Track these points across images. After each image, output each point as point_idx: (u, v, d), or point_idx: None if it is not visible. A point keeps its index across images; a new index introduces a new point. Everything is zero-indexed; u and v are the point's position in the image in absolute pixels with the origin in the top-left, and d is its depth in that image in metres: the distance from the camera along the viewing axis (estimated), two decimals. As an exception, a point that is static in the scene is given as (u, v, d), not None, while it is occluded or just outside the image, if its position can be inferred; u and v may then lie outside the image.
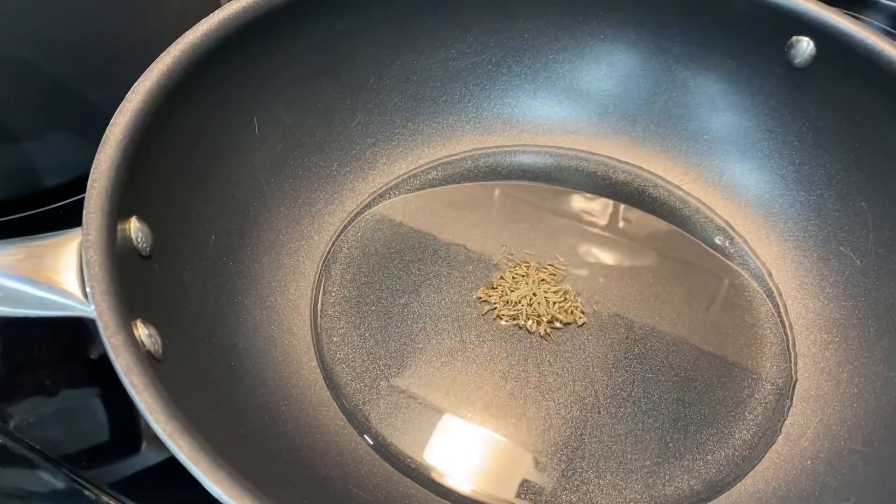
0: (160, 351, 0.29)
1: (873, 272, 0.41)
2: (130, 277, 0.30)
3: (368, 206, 0.47)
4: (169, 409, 0.25)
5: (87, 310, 0.28)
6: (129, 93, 0.33)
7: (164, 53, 0.35)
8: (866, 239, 0.41)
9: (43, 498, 0.36)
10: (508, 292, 0.42)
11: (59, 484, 0.37)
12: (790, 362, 0.41)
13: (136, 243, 0.31)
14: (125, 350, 0.26)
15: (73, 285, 0.29)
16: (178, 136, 0.36)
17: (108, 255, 0.28)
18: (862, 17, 0.62)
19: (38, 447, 0.37)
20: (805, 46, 0.42)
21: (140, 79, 0.34)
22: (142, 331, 0.28)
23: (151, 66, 0.35)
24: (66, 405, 0.40)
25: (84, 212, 0.29)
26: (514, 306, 0.42)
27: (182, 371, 0.31)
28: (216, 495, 0.23)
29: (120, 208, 0.30)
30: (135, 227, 0.31)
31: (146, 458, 0.38)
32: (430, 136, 0.49)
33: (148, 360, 0.27)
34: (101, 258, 0.28)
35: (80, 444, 0.38)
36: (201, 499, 0.25)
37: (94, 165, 0.31)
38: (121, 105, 0.33)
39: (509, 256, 0.45)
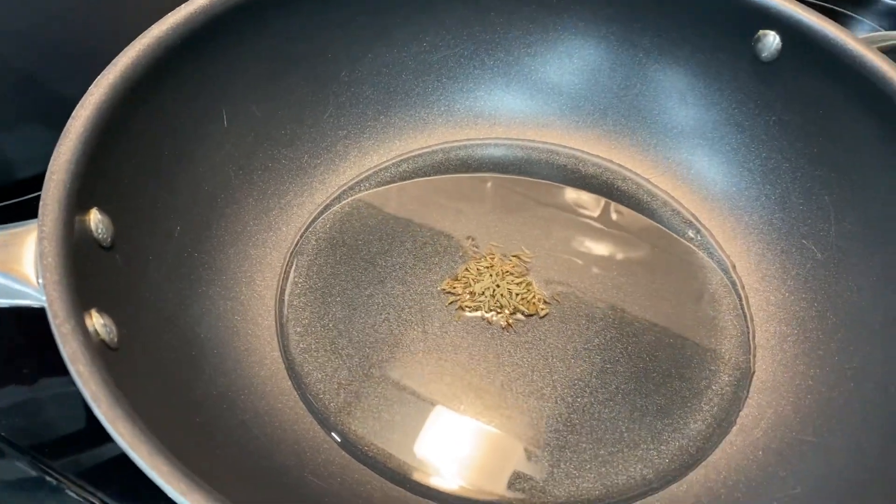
0: (115, 340, 0.30)
1: (833, 265, 0.41)
2: (88, 268, 0.30)
3: (339, 198, 0.47)
4: (113, 397, 0.25)
5: (41, 299, 0.29)
6: (92, 86, 0.34)
7: (128, 47, 0.36)
8: (828, 232, 0.42)
9: (7, 486, 0.37)
10: (472, 284, 0.43)
11: (27, 472, 0.37)
12: (749, 354, 0.41)
13: (96, 234, 0.32)
14: (73, 339, 0.26)
15: (32, 275, 0.30)
16: (143, 130, 0.36)
17: (63, 245, 0.29)
18: (859, 17, 0.62)
19: (4, 434, 0.38)
20: (771, 40, 0.42)
21: (103, 72, 0.34)
22: (96, 320, 0.29)
23: (115, 59, 0.35)
24: (39, 394, 0.40)
25: (41, 203, 0.30)
26: (477, 298, 0.42)
27: (139, 360, 0.31)
28: (155, 481, 0.24)
29: (79, 200, 0.31)
30: (95, 219, 0.32)
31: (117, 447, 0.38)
32: (402, 129, 0.50)
33: (101, 349, 0.28)
34: (55, 249, 0.29)
35: (50, 434, 0.38)
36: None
37: (52, 158, 0.31)
38: (83, 98, 0.33)
39: (475, 249, 0.45)
